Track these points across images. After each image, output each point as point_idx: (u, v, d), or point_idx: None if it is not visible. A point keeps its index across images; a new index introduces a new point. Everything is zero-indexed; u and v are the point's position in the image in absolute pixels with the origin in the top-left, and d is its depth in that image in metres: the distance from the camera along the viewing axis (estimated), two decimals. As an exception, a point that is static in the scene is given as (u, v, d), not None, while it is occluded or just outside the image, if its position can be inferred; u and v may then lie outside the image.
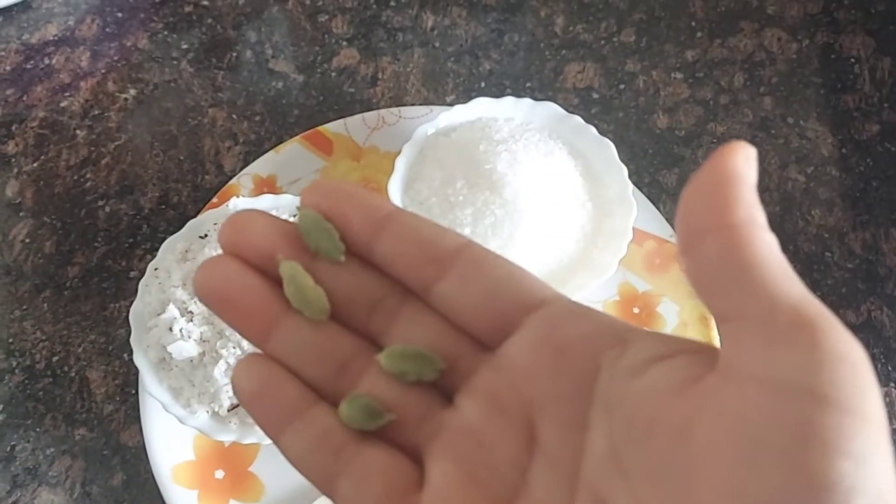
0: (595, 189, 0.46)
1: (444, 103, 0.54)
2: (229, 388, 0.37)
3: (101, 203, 0.50)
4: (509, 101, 0.47)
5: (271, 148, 0.50)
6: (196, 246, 0.40)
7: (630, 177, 0.45)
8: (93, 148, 0.52)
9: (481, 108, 0.47)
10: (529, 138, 0.45)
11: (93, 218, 0.50)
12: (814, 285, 0.49)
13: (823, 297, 0.49)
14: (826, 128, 0.54)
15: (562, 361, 0.19)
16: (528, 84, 0.56)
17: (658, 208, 0.48)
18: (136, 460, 0.43)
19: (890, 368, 0.47)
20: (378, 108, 0.52)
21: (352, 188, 0.21)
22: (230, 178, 0.50)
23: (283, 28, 0.58)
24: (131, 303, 0.40)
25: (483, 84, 0.56)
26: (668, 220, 0.48)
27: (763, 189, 0.52)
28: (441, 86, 0.55)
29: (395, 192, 0.44)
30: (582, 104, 0.55)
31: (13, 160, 0.52)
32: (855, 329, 0.47)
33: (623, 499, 0.17)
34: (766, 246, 0.16)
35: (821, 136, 0.54)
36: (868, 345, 0.48)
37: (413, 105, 0.54)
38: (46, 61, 0.56)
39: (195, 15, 0.58)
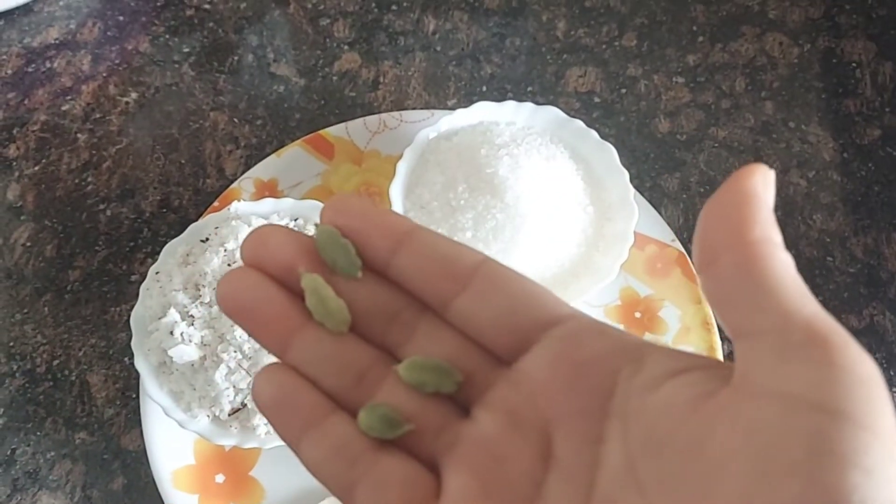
0: (596, 193, 0.46)
1: (445, 107, 0.54)
2: (230, 392, 0.37)
3: (102, 207, 0.50)
4: (511, 105, 0.47)
5: (273, 152, 0.50)
6: (197, 250, 0.40)
7: (631, 181, 0.45)
8: (94, 151, 0.52)
9: (483, 112, 0.47)
10: (531, 142, 0.45)
11: (94, 221, 0.50)
12: (816, 290, 0.49)
13: (825, 302, 0.49)
14: (827, 132, 0.54)
15: (579, 378, 0.19)
16: (530, 88, 0.56)
17: (659, 212, 0.48)
18: (137, 464, 0.43)
19: (892, 373, 0.47)
20: (379, 112, 0.52)
21: (370, 205, 0.22)
22: (231, 181, 0.50)
23: (284, 32, 0.58)
24: (132, 306, 0.40)
25: (484, 88, 0.56)
26: (669, 224, 0.48)
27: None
28: (442, 90, 0.55)
29: (397, 196, 0.44)
30: (583, 108, 0.55)
31: (14, 164, 0.52)
32: (857, 334, 0.47)
33: None
34: (782, 264, 0.17)
35: (822, 140, 0.54)
36: (870, 349, 0.47)
37: (414, 109, 0.54)
38: (48, 65, 0.56)
39: (196, 18, 0.58)
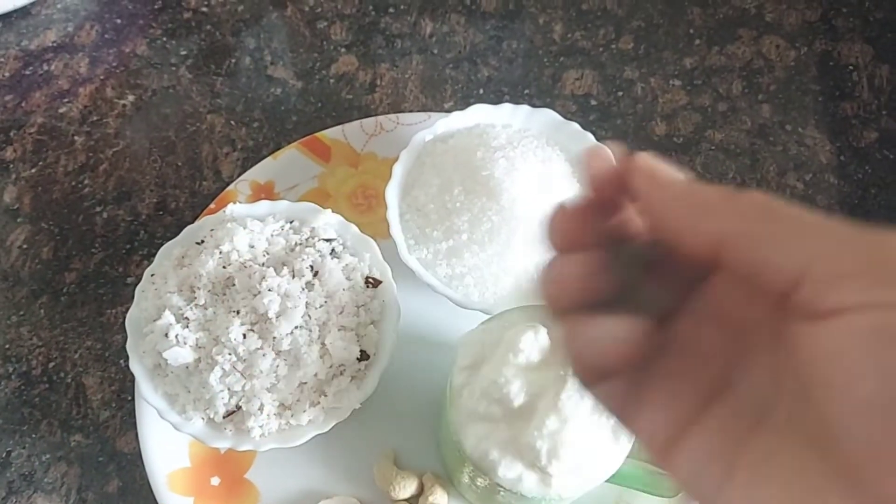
0: (593, 196, 0.46)
1: (442, 110, 0.54)
2: (224, 394, 0.37)
3: (98, 209, 0.50)
4: (507, 107, 0.47)
5: (269, 154, 0.50)
6: (193, 252, 0.40)
7: (628, 183, 0.45)
8: (91, 154, 0.52)
9: (479, 114, 0.47)
10: (527, 145, 0.45)
11: (90, 224, 0.50)
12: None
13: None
14: (824, 135, 0.54)
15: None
16: (527, 91, 0.56)
17: (656, 215, 0.48)
18: (132, 467, 0.43)
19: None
20: (376, 115, 0.52)
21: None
22: (228, 184, 0.50)
23: (281, 34, 0.58)
24: (128, 309, 0.40)
25: (481, 91, 0.56)
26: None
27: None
28: (439, 92, 0.55)
29: (393, 198, 0.44)
30: (580, 111, 0.55)
31: (11, 166, 0.52)
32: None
33: None
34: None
35: (819, 143, 0.54)
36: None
37: (411, 111, 0.54)
38: (45, 67, 0.56)
39: (194, 21, 0.58)
